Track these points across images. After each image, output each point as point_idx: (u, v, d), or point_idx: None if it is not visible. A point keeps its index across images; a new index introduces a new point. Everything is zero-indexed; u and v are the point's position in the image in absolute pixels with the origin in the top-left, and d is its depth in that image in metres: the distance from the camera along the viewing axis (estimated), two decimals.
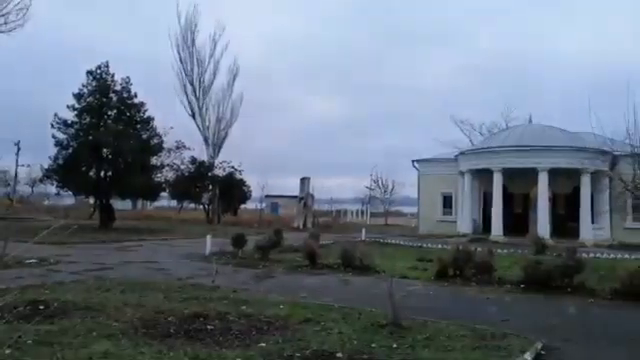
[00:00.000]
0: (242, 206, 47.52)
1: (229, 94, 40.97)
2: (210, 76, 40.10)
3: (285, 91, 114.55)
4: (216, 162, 41.25)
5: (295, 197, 41.20)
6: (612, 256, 18.62)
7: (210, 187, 40.62)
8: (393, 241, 25.36)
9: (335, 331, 6.95)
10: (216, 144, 41.05)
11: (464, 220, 29.42)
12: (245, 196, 45.16)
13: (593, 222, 26.62)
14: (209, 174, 40.42)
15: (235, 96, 41.28)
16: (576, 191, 27.05)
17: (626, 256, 17.64)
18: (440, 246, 19.25)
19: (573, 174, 26.82)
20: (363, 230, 28.07)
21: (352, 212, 59.13)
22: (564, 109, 63.30)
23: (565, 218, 28.33)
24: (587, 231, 25.98)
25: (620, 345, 7.23)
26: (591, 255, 17.47)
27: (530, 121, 31.54)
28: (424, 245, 22.65)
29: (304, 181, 40.04)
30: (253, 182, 45.60)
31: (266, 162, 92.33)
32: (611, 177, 24.31)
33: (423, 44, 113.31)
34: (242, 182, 43.33)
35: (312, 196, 40.30)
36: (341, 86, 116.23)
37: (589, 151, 23.56)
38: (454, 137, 46.24)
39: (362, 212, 58.12)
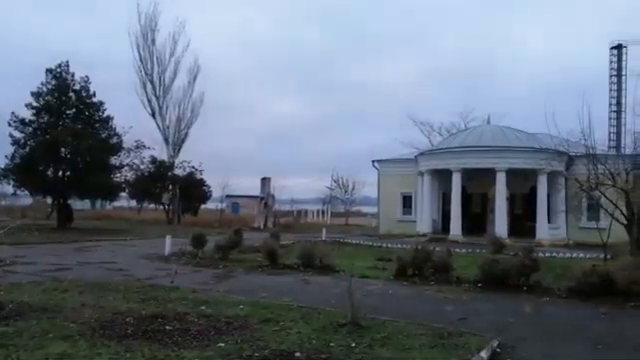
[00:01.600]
0: (202, 206, 47.07)
1: (190, 93, 40.58)
2: (171, 75, 39.64)
3: (248, 91, 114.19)
4: (176, 162, 40.85)
5: (256, 197, 41.05)
6: (567, 255, 19.26)
7: (170, 187, 40.13)
8: (353, 241, 25.55)
9: (294, 331, 6.97)
10: (176, 144, 40.57)
11: (423, 220, 29.80)
12: (205, 196, 44.78)
13: (549, 222, 27.42)
14: (169, 174, 39.94)
15: (196, 95, 40.94)
16: (533, 191, 27.76)
17: (581, 255, 18.25)
18: (400, 246, 19.49)
19: (530, 174, 27.56)
20: (324, 230, 28.17)
21: (313, 212, 59.24)
22: (523, 110, 65.41)
23: (522, 218, 29.09)
24: (544, 231, 26.73)
25: (574, 342, 7.43)
26: (547, 254, 18.07)
27: (488, 122, 32.23)
28: (384, 245, 22.92)
29: (265, 181, 39.91)
30: (214, 182, 45.33)
31: (227, 162, 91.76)
32: (567, 177, 25.04)
33: (389, 44, 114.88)
34: (202, 182, 42.96)
35: (273, 196, 40.24)
36: (305, 86, 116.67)
37: (546, 152, 24.26)
38: (414, 138, 47.11)
39: (323, 212, 58.30)
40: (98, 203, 54.97)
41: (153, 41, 38.79)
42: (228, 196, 52.27)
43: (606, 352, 6.95)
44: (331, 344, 6.30)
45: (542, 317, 9.20)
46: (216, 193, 46.21)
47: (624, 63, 58.83)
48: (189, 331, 6.69)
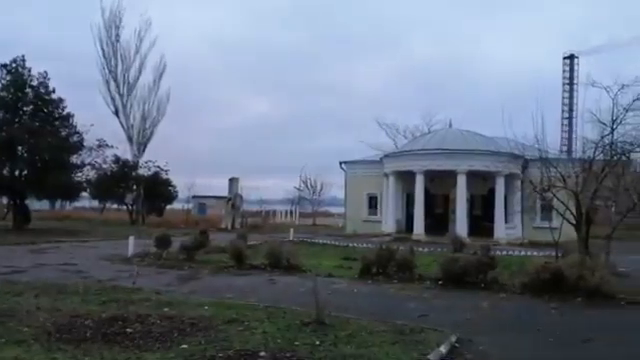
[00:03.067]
0: (168, 207, 46.29)
1: (155, 91, 39.92)
2: (135, 72, 38.95)
3: (218, 91, 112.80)
4: (141, 161, 40.12)
5: (224, 198, 40.66)
6: (522, 253, 19.95)
7: (134, 187, 39.34)
8: (320, 241, 25.70)
9: (259, 330, 6.98)
10: (141, 143, 39.88)
11: (388, 220, 30.37)
12: (171, 196, 44.08)
13: (506, 222, 28.44)
14: (133, 174, 39.21)
15: (162, 94, 40.35)
16: (491, 193, 28.78)
17: (535, 253, 18.86)
18: (365, 245, 19.74)
19: (489, 177, 28.58)
20: (291, 230, 28.21)
21: (281, 213, 59.13)
22: (485, 113, 67.36)
23: (481, 218, 29.95)
24: (501, 230, 27.78)
25: (526, 335, 7.77)
26: (504, 253, 18.70)
27: (450, 126, 33.03)
28: (350, 244, 23.12)
29: (233, 181, 39.60)
30: (180, 182, 44.63)
31: (195, 162, 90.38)
32: (522, 180, 25.94)
33: (360, 47, 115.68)
34: (168, 182, 42.27)
35: (241, 197, 39.95)
36: (275, 87, 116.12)
37: (503, 155, 25.14)
38: (381, 140, 47.49)
39: (291, 213, 58.25)
40: (58, 203, 53.29)
41: (117, 37, 38.08)
42: (195, 196, 51.66)
43: (556, 344, 7.30)
44: (296, 343, 6.35)
45: (498, 312, 9.58)
46: (183, 193, 45.66)
47: (575, 72, 61.92)
48: (151, 333, 6.60)
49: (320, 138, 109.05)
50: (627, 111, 14.58)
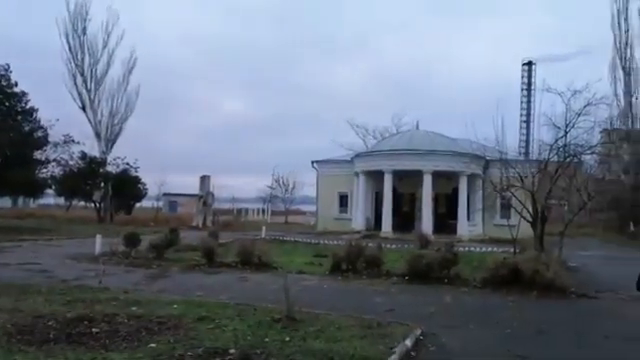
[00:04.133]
0: (138, 205, 45.55)
1: (125, 87, 39.65)
2: (104, 67, 38.60)
3: (191, 88, 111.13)
4: (109, 158, 39.61)
5: (195, 195, 40.28)
6: (483, 249, 20.53)
7: (102, 184, 38.58)
8: (292, 238, 25.79)
9: (230, 328, 7.01)
10: (109, 139, 39.41)
11: (358, 218, 30.92)
12: (141, 194, 43.35)
13: (469, 219, 29.54)
14: (101, 170, 38.44)
15: (131, 89, 40.02)
16: (455, 192, 29.83)
17: (495, 249, 19.38)
18: (335, 242, 19.99)
19: (453, 176, 29.58)
20: (263, 228, 28.23)
21: (254, 211, 58.99)
22: (449, 115, 69.12)
23: (445, 216, 30.80)
24: (463, 227, 28.86)
25: (486, 328, 8.13)
26: (466, 249, 19.21)
27: (417, 127, 33.91)
28: (321, 242, 23.37)
29: (204, 179, 39.28)
30: (150, 180, 43.92)
31: (166, 159, 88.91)
32: (483, 179, 26.94)
33: (332, 48, 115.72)
34: (137, 179, 41.53)
35: (212, 194, 39.66)
36: (249, 86, 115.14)
37: (467, 156, 26.08)
38: (351, 140, 47.96)
39: (263, 211, 58.17)
40: (20, 201, 51.86)
41: (84, 30, 37.61)
42: (165, 194, 50.96)
43: (513, 336, 7.66)
44: (266, 339, 6.42)
45: (460, 306, 9.95)
46: (153, 191, 44.96)
47: (533, 79, 64.70)
48: (118, 333, 6.51)
49: (293, 137, 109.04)
50: (579, 116, 15.32)
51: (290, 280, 8.08)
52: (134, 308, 8.13)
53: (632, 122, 34.96)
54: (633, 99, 35.38)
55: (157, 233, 19.66)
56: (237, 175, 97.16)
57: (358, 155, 33.10)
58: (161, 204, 50.56)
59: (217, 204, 43.62)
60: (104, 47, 38.09)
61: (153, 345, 6.05)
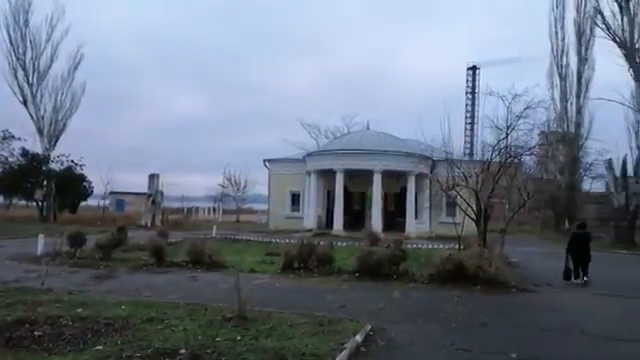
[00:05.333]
0: (83, 203, 44.00)
1: (70, 82, 38.50)
2: (47, 61, 37.30)
3: (141, 85, 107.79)
4: (52, 155, 38.28)
5: (144, 194, 39.28)
6: (430, 246, 21.12)
7: (45, 182, 37.08)
8: (244, 237, 25.66)
9: (180, 328, 6.97)
10: (53, 135, 38.07)
11: (310, 216, 31.18)
12: (86, 192, 41.92)
13: (416, 217, 30.44)
14: (44, 168, 36.98)
15: (77, 84, 38.89)
16: (403, 191, 30.64)
17: (441, 246, 19.88)
18: (287, 241, 20.04)
19: (402, 176, 30.38)
20: (214, 227, 27.93)
21: (204, 210, 58.05)
22: (399, 116, 70.82)
23: (395, 214, 31.56)
24: (411, 225, 29.71)
25: (432, 322, 8.43)
26: (414, 246, 19.75)
27: (368, 127, 34.52)
28: (273, 240, 23.38)
29: (153, 177, 38.34)
30: (97, 178, 42.46)
31: (114, 157, 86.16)
32: (431, 179, 27.61)
33: (286, 48, 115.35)
34: (83, 177, 40.16)
35: (161, 193, 38.82)
36: (201, 84, 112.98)
37: (415, 156, 26.87)
38: (303, 139, 48.20)
39: (214, 209, 57.38)
40: None
41: (26, 22, 36.36)
42: (112, 192, 49.32)
43: (457, 329, 8.02)
44: (217, 339, 6.43)
45: (408, 301, 10.27)
46: (99, 189, 43.39)
47: (477, 82, 67.69)
48: (62, 335, 6.37)
49: (245, 136, 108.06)
50: (519, 118, 15.99)
51: (242, 279, 8.09)
52: (79, 310, 7.95)
53: (567, 125, 36.91)
54: (568, 104, 37.33)
55: (104, 232, 19.16)
56: (187, 173, 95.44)
57: (310, 154, 33.37)
58: (108, 203, 48.91)
59: (166, 203, 42.79)
60: (48, 40, 36.98)
61: (99, 347, 5.96)
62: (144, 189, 39.05)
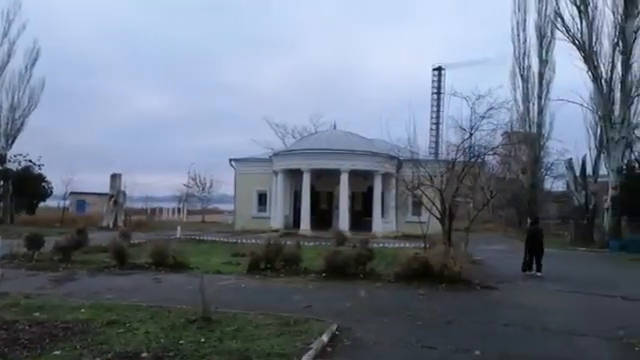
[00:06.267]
0: (42, 204, 42.54)
1: (27, 79, 37.47)
2: (4, 57, 36.39)
3: (105, 83, 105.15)
4: (9, 155, 37.19)
5: (105, 194, 38.35)
6: (396, 245, 21.38)
7: (1, 183, 35.90)
8: (209, 238, 25.40)
9: (142, 331, 6.83)
10: (9, 134, 37.22)
11: (277, 216, 31.10)
12: (45, 193, 40.53)
13: (383, 217, 30.75)
14: (0, 168, 35.57)
15: (35, 82, 37.86)
16: (370, 190, 30.92)
17: (407, 245, 20.26)
18: (254, 241, 19.93)
19: (368, 175, 30.68)
20: (179, 228, 27.50)
21: (168, 210, 57.12)
22: (367, 117, 71.54)
23: (361, 213, 31.82)
24: (378, 224, 30.03)
25: (398, 320, 8.49)
26: (380, 245, 19.99)
27: (335, 127, 34.70)
28: (239, 241, 23.20)
29: (115, 177, 37.55)
30: (57, 178, 41.18)
31: (75, 157, 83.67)
32: (397, 178, 28.09)
33: (254, 48, 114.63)
34: (41, 177, 38.86)
35: (124, 193, 38.09)
36: (167, 81, 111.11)
37: (381, 156, 27.19)
38: (270, 139, 47.96)
39: (179, 210, 56.55)
40: None
41: None
42: (73, 193, 47.90)
43: (423, 326, 8.11)
44: (180, 341, 6.32)
45: (374, 300, 10.32)
46: (59, 190, 42.11)
47: (442, 83, 69.19)
48: (18, 340, 6.16)
49: (211, 135, 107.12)
50: (482, 119, 16.34)
51: (207, 280, 7.97)
52: (37, 314, 7.70)
53: (529, 126, 38.01)
54: (530, 105, 38.46)
55: (64, 234, 18.55)
56: (151, 173, 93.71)
57: (277, 154, 33.29)
58: (68, 204, 47.46)
59: (129, 203, 42.01)
60: (4, 36, 36.04)
61: (57, 352, 5.80)
62: (106, 189, 38.21)
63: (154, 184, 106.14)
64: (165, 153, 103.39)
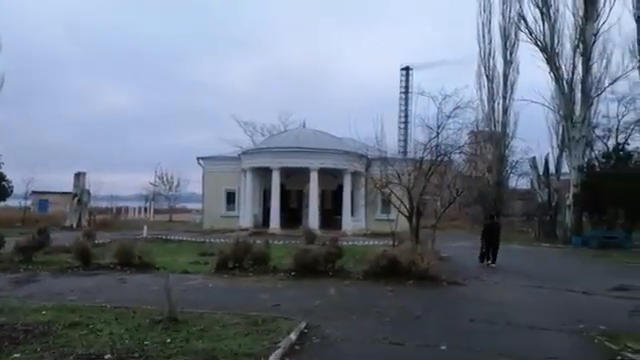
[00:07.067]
0: (2, 204, 41.06)
1: None
2: None
3: (70, 80, 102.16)
4: None
5: (69, 194, 37.31)
6: (366, 243, 21.53)
7: None
8: (176, 237, 25.05)
9: (105, 332, 6.72)
10: None
11: (246, 215, 30.91)
12: (5, 192, 39.10)
13: (352, 215, 31.01)
14: None
15: None
16: (340, 188, 31.14)
17: (376, 242, 20.41)
18: (222, 240, 19.74)
19: (338, 174, 30.85)
20: (145, 227, 27.01)
21: (134, 209, 55.95)
22: (336, 115, 71.71)
23: (331, 212, 31.98)
24: (347, 222, 30.29)
25: (367, 317, 8.56)
26: (350, 243, 20.07)
27: (304, 126, 34.77)
28: (207, 240, 22.98)
29: (79, 176, 36.58)
30: (17, 177, 39.79)
31: (37, 155, 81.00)
32: (366, 177, 28.29)
33: (225, 46, 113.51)
34: (1, 176, 37.45)
35: (88, 192, 37.13)
36: (133, 79, 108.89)
37: (351, 154, 27.36)
38: (239, 137, 47.51)
39: (145, 209, 55.46)
40: None
41: None
42: (35, 192, 46.43)
43: (391, 323, 8.21)
44: (145, 342, 6.24)
45: (343, 298, 10.37)
46: (20, 189, 40.69)
47: (410, 83, 70.30)
48: None
49: (179, 134, 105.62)
50: (449, 118, 16.57)
51: (173, 280, 7.87)
52: None
53: (494, 125, 38.83)
54: (495, 104, 39.27)
55: (25, 234, 17.96)
56: (118, 172, 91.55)
57: (245, 152, 33.04)
58: (30, 203, 45.98)
59: (94, 203, 41.00)
60: None
61: (17, 355, 5.68)
62: (69, 188, 37.15)
63: (120, 183, 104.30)
64: (132, 152, 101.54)
